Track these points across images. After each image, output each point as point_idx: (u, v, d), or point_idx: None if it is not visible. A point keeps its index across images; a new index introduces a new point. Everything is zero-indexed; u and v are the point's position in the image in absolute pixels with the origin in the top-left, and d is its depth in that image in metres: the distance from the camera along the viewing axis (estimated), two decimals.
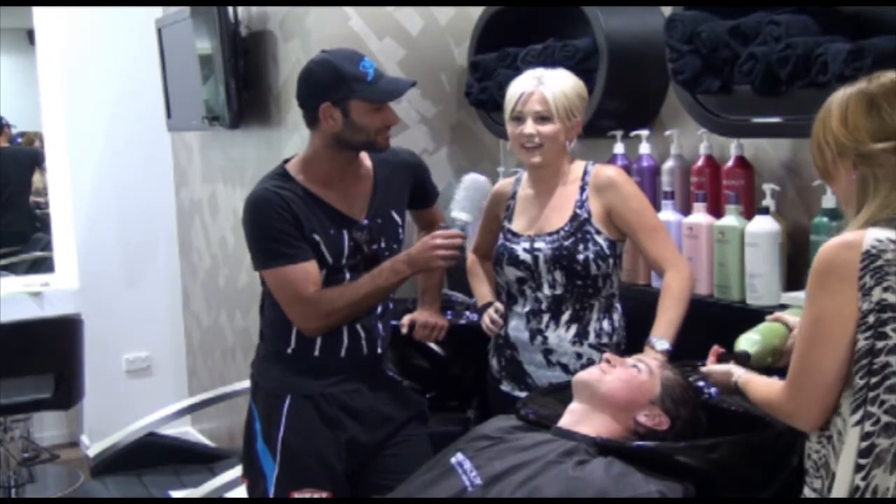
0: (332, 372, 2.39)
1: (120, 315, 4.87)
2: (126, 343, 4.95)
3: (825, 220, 2.20)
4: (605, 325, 2.40)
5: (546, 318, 2.40)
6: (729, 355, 1.91)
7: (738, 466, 1.94)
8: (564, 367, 2.39)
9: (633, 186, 2.41)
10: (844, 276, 1.57)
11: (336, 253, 2.34)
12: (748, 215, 2.40)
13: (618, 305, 2.43)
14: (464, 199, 2.33)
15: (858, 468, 1.58)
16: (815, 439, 1.67)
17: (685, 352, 2.27)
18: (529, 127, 2.36)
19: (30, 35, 5.85)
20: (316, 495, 2.36)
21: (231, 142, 4.16)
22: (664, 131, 2.75)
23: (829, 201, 2.21)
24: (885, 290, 1.55)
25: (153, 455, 3.60)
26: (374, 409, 2.43)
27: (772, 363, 1.89)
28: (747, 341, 1.89)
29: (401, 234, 2.48)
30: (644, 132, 2.75)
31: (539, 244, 2.40)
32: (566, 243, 2.36)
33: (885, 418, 1.57)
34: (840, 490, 1.61)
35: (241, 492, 2.76)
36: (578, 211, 2.39)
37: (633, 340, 2.39)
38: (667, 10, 2.58)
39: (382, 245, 2.41)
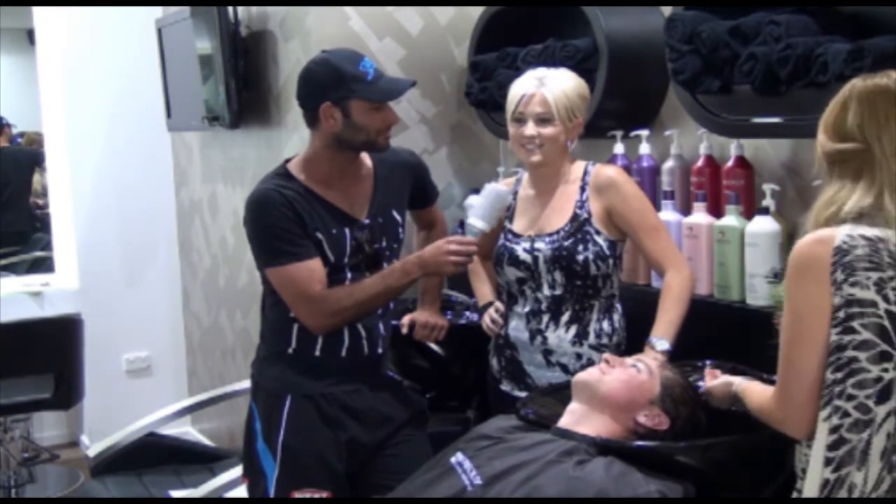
0: (333, 372, 2.39)
1: (120, 315, 4.87)
2: (126, 343, 4.95)
3: None
4: (605, 325, 2.40)
5: (546, 318, 2.40)
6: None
7: (738, 466, 1.94)
8: (564, 368, 2.39)
9: (633, 186, 2.41)
10: (817, 271, 1.60)
11: (338, 252, 2.34)
12: (748, 215, 2.40)
13: (618, 306, 2.43)
14: (483, 207, 2.32)
15: (827, 462, 1.60)
16: (805, 443, 1.68)
17: (685, 352, 2.27)
18: (530, 129, 2.37)
19: (30, 35, 5.87)
20: (316, 495, 2.36)
21: (231, 142, 4.16)
22: (664, 131, 2.75)
23: None
24: (853, 285, 1.58)
25: (153, 455, 3.60)
26: (375, 409, 2.43)
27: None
28: None
29: (401, 234, 2.48)
30: (644, 132, 2.75)
31: (539, 244, 2.40)
32: (566, 244, 2.36)
33: (855, 414, 1.58)
34: (811, 483, 1.62)
35: (241, 492, 2.76)
36: (578, 211, 2.39)
37: (633, 341, 2.39)
38: (667, 10, 2.58)
39: (384, 244, 2.42)
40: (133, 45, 4.70)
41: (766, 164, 2.51)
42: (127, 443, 3.54)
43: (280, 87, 3.67)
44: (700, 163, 2.56)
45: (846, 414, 1.59)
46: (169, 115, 4.46)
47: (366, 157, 2.44)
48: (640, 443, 1.95)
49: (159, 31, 4.37)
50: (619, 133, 2.79)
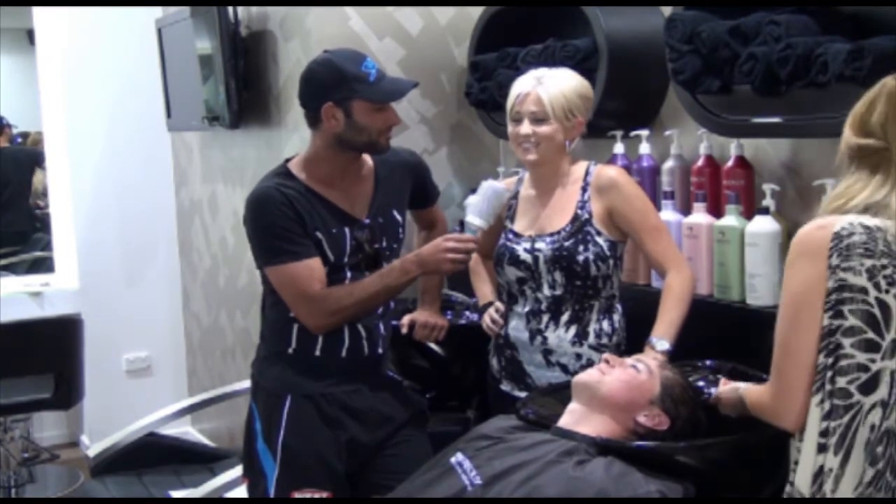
0: (333, 372, 2.39)
1: (120, 315, 4.87)
2: (126, 343, 4.95)
3: None
4: (605, 325, 2.40)
5: (546, 318, 2.40)
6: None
7: (738, 466, 1.94)
8: (564, 368, 2.39)
9: (635, 187, 2.41)
10: (816, 253, 1.62)
11: (338, 251, 2.34)
12: (748, 215, 2.40)
13: (618, 306, 2.43)
14: (480, 205, 2.32)
15: (820, 448, 1.61)
16: (798, 437, 1.68)
17: (685, 352, 2.27)
18: (525, 127, 2.37)
19: (30, 35, 5.86)
20: (316, 495, 2.36)
21: (231, 142, 4.16)
22: (664, 131, 2.75)
23: None
24: (846, 270, 1.59)
25: (153, 455, 3.60)
26: (375, 409, 2.43)
27: None
28: None
29: (401, 234, 2.48)
30: (644, 132, 2.75)
31: (540, 244, 2.40)
32: (566, 244, 2.36)
33: (834, 400, 1.60)
34: (804, 471, 1.63)
35: (241, 492, 2.76)
36: (579, 212, 2.39)
37: (633, 341, 2.39)
38: (667, 10, 2.58)
39: (384, 244, 2.42)
40: (133, 45, 4.70)
41: (766, 164, 2.51)
42: (127, 443, 3.55)
43: (280, 87, 3.67)
44: (700, 163, 2.56)
45: (834, 399, 1.60)
46: (169, 115, 4.46)
47: (367, 157, 2.44)
48: (640, 443, 1.95)
49: (159, 31, 4.37)
50: (619, 133, 2.79)
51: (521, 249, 2.42)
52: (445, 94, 3.54)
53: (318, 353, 2.38)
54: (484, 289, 2.63)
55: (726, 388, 1.97)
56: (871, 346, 1.59)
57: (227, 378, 4.38)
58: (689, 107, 2.46)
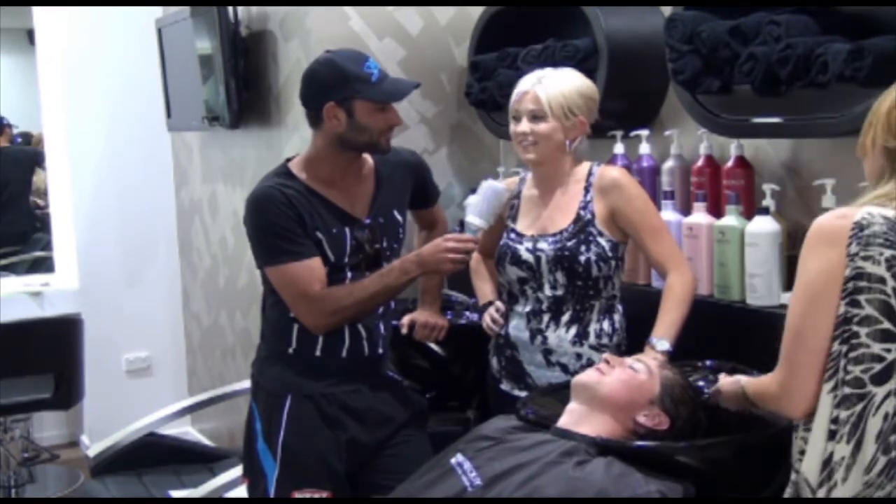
0: (333, 372, 2.39)
1: (120, 315, 4.87)
2: (126, 343, 4.95)
3: None
4: (606, 325, 2.40)
5: (546, 318, 2.40)
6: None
7: (738, 466, 1.94)
8: (564, 368, 2.39)
9: (637, 188, 2.41)
10: (835, 240, 1.61)
11: (338, 251, 2.34)
12: (748, 215, 2.40)
13: (619, 307, 2.43)
14: (480, 205, 2.32)
15: (831, 434, 1.60)
16: (803, 427, 1.68)
17: (685, 352, 2.27)
18: (523, 125, 2.38)
19: (30, 35, 5.87)
20: (316, 495, 2.36)
21: (231, 142, 4.16)
22: (664, 131, 2.75)
23: (828, 201, 2.21)
24: (865, 258, 1.58)
25: (153, 455, 3.60)
26: (375, 409, 2.43)
27: None
28: None
29: (402, 234, 2.48)
30: (644, 132, 2.75)
31: (542, 244, 2.40)
32: (568, 244, 2.37)
33: (846, 389, 1.59)
34: (812, 457, 1.63)
35: (241, 492, 2.76)
36: (582, 212, 2.39)
37: (633, 341, 2.39)
38: (667, 10, 2.58)
39: (384, 244, 2.42)
40: (133, 45, 4.70)
41: (766, 164, 2.51)
42: (127, 443, 3.55)
43: (280, 87, 3.67)
44: (700, 163, 2.56)
45: (847, 388, 1.59)
46: (169, 115, 4.46)
47: (367, 157, 2.44)
48: (640, 443, 1.95)
49: (159, 31, 4.37)
50: (619, 133, 2.79)
51: (522, 249, 2.42)
52: (445, 94, 3.54)
53: (318, 353, 2.38)
54: (484, 288, 2.63)
55: (727, 380, 1.97)
56: (886, 337, 1.58)
57: (227, 378, 4.38)
58: (689, 107, 2.46)
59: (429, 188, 2.62)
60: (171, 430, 4.12)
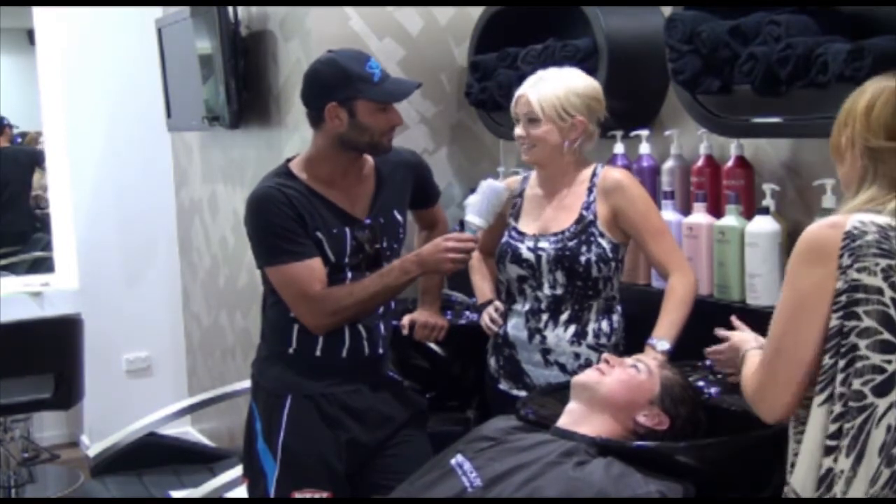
0: (333, 372, 2.39)
1: (120, 315, 4.87)
2: (126, 343, 4.94)
3: None
4: (604, 325, 2.40)
5: (545, 317, 2.41)
6: None
7: (738, 466, 1.94)
8: (562, 367, 2.39)
9: (640, 189, 2.41)
10: (826, 253, 1.58)
11: (339, 252, 2.34)
12: (748, 215, 2.40)
13: (618, 307, 2.43)
14: (479, 204, 2.32)
15: (829, 450, 1.58)
16: (793, 434, 1.67)
17: (685, 352, 2.27)
18: (519, 129, 2.41)
19: (30, 35, 5.87)
20: (316, 495, 2.36)
21: (231, 142, 4.16)
22: (664, 131, 2.75)
23: (829, 201, 2.21)
24: (860, 270, 1.56)
25: (153, 455, 3.60)
26: (375, 409, 2.43)
27: None
28: None
29: (402, 234, 2.48)
30: (644, 132, 2.75)
31: (543, 244, 2.40)
32: (570, 244, 2.37)
33: (846, 402, 1.57)
34: (808, 472, 1.61)
35: (241, 492, 2.76)
36: (584, 213, 2.39)
37: (633, 341, 2.39)
38: (667, 10, 2.58)
39: (384, 244, 2.42)
40: (133, 45, 4.70)
41: (766, 164, 2.51)
42: (127, 443, 3.55)
43: (280, 87, 3.67)
44: (700, 163, 2.56)
45: (848, 401, 1.58)
46: (169, 115, 4.46)
47: (368, 157, 2.44)
48: (639, 443, 1.95)
49: (159, 31, 4.37)
50: (619, 133, 2.79)
51: (524, 248, 2.42)
52: (445, 94, 3.54)
53: (318, 353, 2.38)
54: (484, 287, 2.63)
55: (732, 342, 1.92)
56: (886, 347, 1.56)
57: (227, 378, 4.38)
58: (689, 107, 2.46)
59: (429, 188, 2.62)
60: (171, 430, 4.12)
